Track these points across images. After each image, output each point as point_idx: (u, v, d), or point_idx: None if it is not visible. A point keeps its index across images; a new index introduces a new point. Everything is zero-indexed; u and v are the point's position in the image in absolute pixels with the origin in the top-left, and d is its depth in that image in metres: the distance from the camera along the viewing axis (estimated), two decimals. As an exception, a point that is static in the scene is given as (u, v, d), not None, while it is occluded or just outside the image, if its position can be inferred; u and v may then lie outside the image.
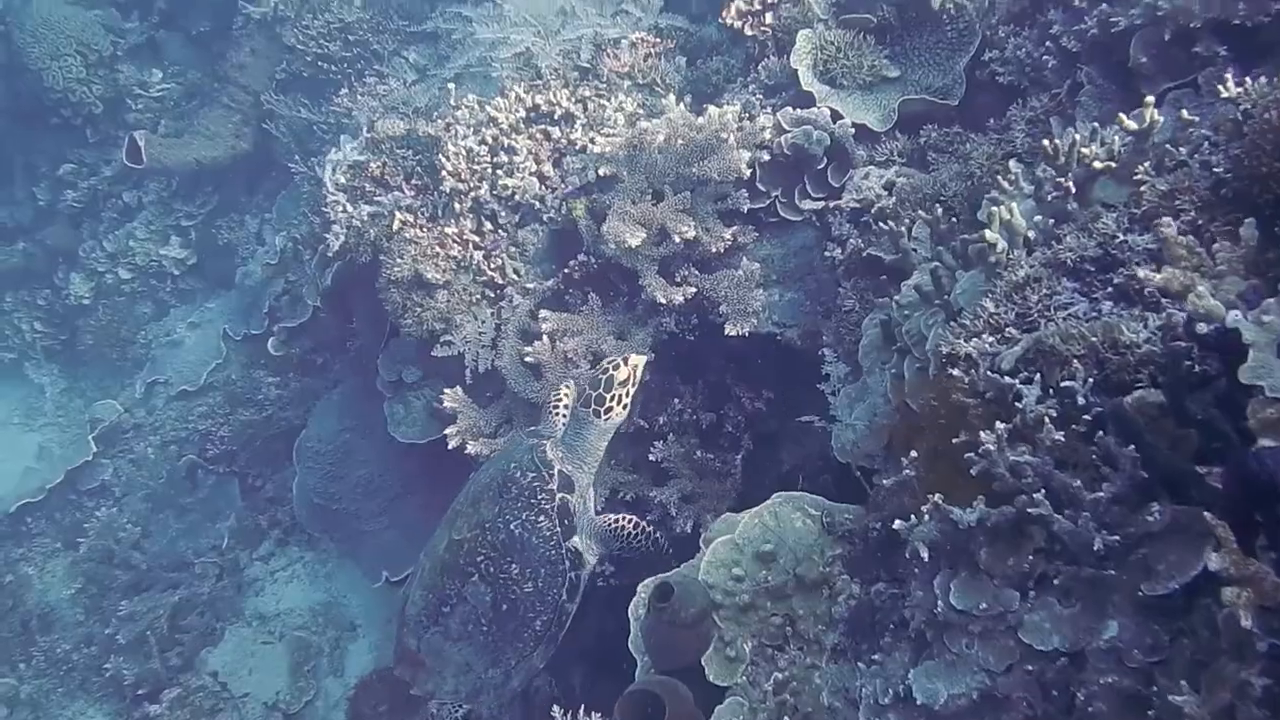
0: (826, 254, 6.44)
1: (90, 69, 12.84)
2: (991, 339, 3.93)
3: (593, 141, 6.64)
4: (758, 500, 5.34)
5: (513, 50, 8.05)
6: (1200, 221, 3.87)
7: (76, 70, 12.72)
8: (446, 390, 6.83)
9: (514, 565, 5.51)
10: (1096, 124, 5.02)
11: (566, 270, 6.84)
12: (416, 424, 7.63)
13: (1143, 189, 4.13)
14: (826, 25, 7.08)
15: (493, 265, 6.92)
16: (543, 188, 6.98)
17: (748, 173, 6.52)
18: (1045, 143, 4.64)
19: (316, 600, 10.10)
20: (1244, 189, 3.86)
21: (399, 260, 6.81)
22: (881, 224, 6.20)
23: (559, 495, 5.67)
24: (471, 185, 6.90)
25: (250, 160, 12.81)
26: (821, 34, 6.95)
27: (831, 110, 6.76)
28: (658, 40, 7.89)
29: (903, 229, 5.45)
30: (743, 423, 6.80)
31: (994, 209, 4.40)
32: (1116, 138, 4.45)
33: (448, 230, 6.87)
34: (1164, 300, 3.77)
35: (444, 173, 6.83)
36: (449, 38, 9.82)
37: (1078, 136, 4.51)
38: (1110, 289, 3.97)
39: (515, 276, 6.97)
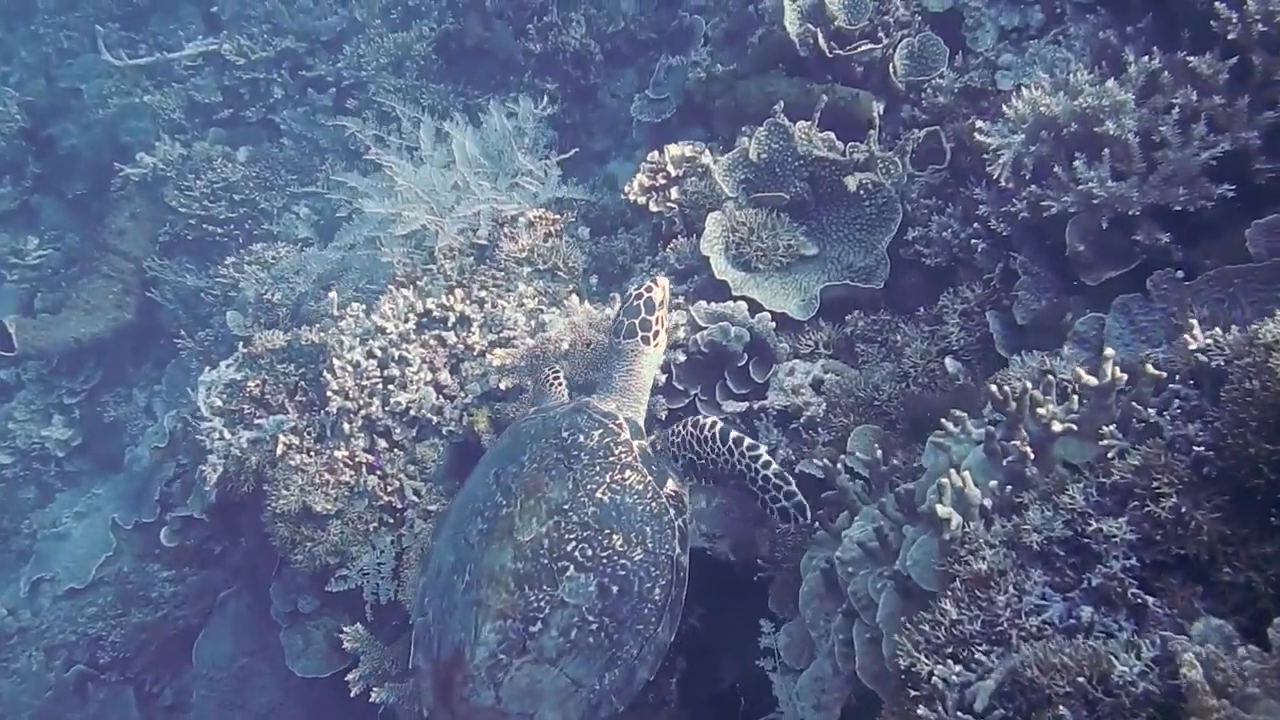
0: (755, 465, 5.89)
1: (-41, 239, 12.11)
2: (958, 668, 3.36)
3: (492, 351, 6.05)
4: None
5: (406, 228, 7.45)
6: (1184, 509, 3.35)
7: (-54, 241, 11.98)
8: (346, 629, 6.17)
9: (615, 536, 4.63)
10: (1049, 371, 4.51)
11: (471, 489, 6.21)
12: (318, 656, 6.93)
13: (1112, 463, 3.60)
14: (737, 203, 6.60)
15: (389, 488, 6.30)
16: (440, 398, 6.40)
17: (663, 378, 5.97)
18: (993, 388, 4.12)
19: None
20: (1230, 469, 3.36)
21: (284, 492, 6.17)
22: (813, 433, 5.70)
23: (635, 443, 4.96)
24: (361, 403, 6.27)
25: (135, 329, 12.09)
26: (732, 214, 6.46)
27: (749, 300, 6.24)
28: (557, 217, 7.37)
29: (838, 466, 4.89)
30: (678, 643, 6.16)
31: (944, 480, 3.85)
32: (1074, 391, 3.93)
33: (337, 454, 6.24)
34: (1152, 604, 3.26)
35: (330, 392, 6.19)
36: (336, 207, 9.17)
37: (1029, 386, 3.99)
38: (1089, 588, 3.43)
39: (415, 498, 6.34)
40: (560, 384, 5.53)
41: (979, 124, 5.89)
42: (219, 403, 6.66)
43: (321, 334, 6.57)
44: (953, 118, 6.59)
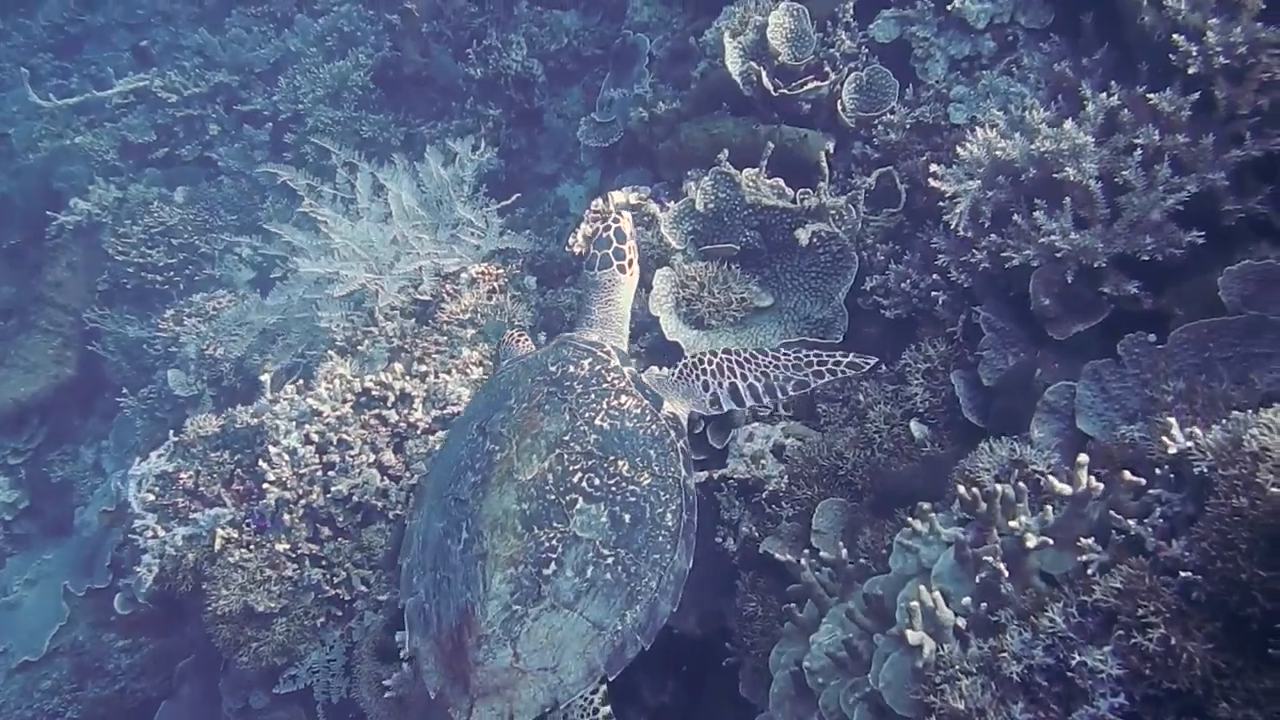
0: (718, 539, 5.63)
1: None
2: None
3: (433, 433, 5.73)
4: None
5: (344, 289, 7.12)
6: (1173, 640, 3.08)
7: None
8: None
9: (620, 462, 4.40)
10: (1020, 462, 4.24)
11: (424, 576, 5.90)
12: (273, 750, 6.59)
13: (1093, 579, 3.33)
14: (685, 255, 6.29)
15: (336, 579, 5.96)
16: (384, 479, 6.07)
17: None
18: (961, 489, 3.84)
19: None
20: (1221, 594, 3.09)
21: (225, 591, 5.85)
22: (776, 507, 5.42)
23: (625, 369, 4.79)
24: (300, 492, 5.94)
25: (77, 385, 11.69)
26: (681, 269, 6.15)
27: (703, 361, 5.93)
28: (500, 271, 7.06)
29: (802, 561, 4.60)
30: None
31: (913, 604, 3.57)
32: (1046, 489, 3.65)
33: (279, 547, 5.90)
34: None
35: (267, 483, 5.85)
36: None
37: (1000, 490, 3.72)
38: (1076, 729, 3.16)
39: (364, 588, 6.04)
40: (526, 340, 5.38)
41: (934, 168, 5.61)
42: (151, 498, 6.32)
43: (256, 417, 6.23)
44: (906, 155, 6.31)
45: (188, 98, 12.51)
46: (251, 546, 5.94)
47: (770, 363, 5.00)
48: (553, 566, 4.21)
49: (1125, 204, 4.99)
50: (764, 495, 5.46)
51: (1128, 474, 3.46)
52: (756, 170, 6.17)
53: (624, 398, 4.57)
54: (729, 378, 5.00)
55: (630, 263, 5.17)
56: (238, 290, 10.79)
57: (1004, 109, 5.89)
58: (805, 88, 6.40)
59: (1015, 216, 5.24)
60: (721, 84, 6.83)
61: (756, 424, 5.88)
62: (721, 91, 6.86)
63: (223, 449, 6.39)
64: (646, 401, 4.66)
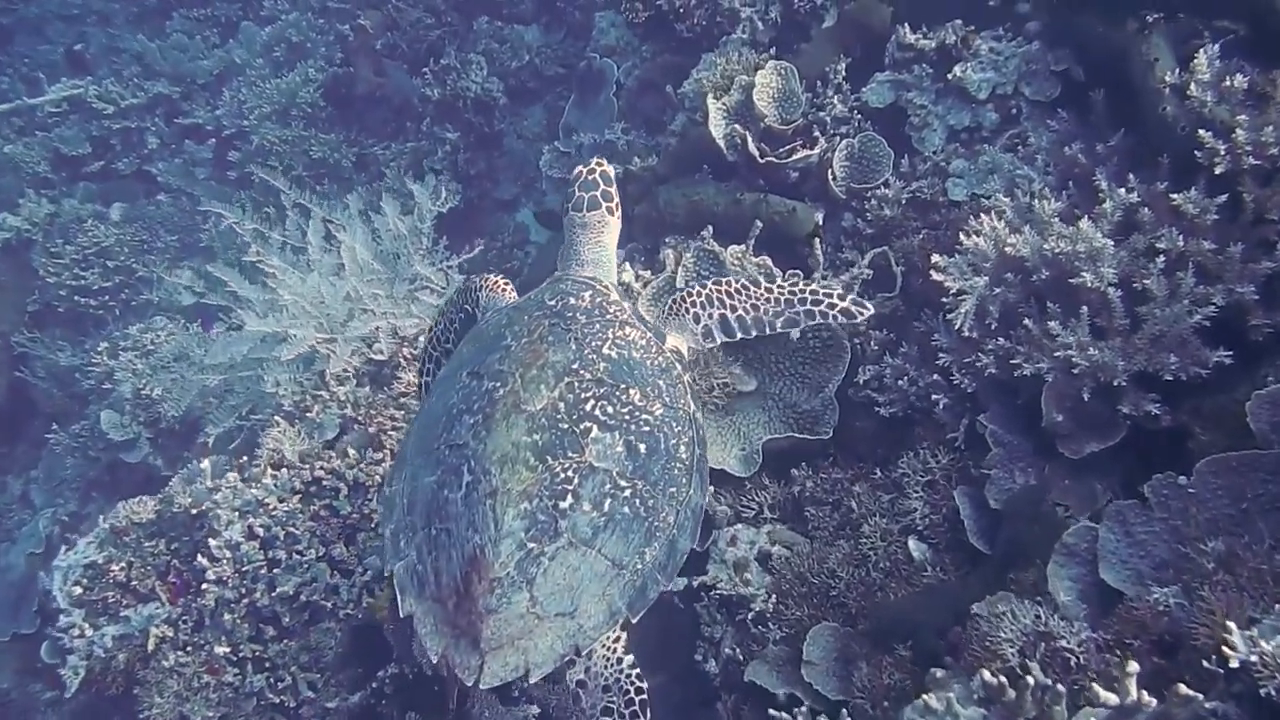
0: (698, 657, 5.23)
1: None
2: None
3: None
4: None
5: (293, 351, 6.64)
6: None
7: None
8: None
9: (632, 391, 4.04)
10: (1048, 634, 3.85)
11: (375, 683, 5.44)
12: None
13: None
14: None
15: (280, 684, 5.49)
16: (334, 574, 5.59)
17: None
18: (986, 675, 3.45)
19: None
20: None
21: (158, 699, 5.39)
22: (762, 628, 5.02)
23: (624, 303, 4.48)
24: (243, 590, 5.46)
25: (4, 413, 11.04)
26: (659, 352, 5.72)
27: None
28: (462, 336, 6.56)
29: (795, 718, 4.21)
30: None
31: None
32: (1077, 666, 3.27)
33: (218, 649, 5.41)
34: None
35: (206, 583, 5.37)
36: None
37: (1033, 678, 3.33)
38: None
39: (310, 693, 5.59)
40: (510, 289, 4.97)
41: (936, 259, 5.22)
42: (79, 591, 5.80)
43: (196, 506, 5.73)
44: (901, 232, 5.92)
45: (125, 109, 11.87)
46: (189, 648, 5.45)
47: (762, 295, 4.68)
48: (569, 499, 3.81)
49: (1146, 315, 4.63)
50: (750, 614, 5.05)
51: (1183, 688, 3.08)
52: (743, 248, 5.75)
53: (628, 329, 4.26)
54: (718, 309, 4.68)
55: (617, 205, 4.83)
56: (177, 319, 10.20)
57: (1010, 192, 5.51)
58: (794, 157, 5.98)
59: (1026, 321, 4.86)
60: (703, 144, 6.40)
61: (740, 525, 5.49)
62: (702, 153, 6.42)
63: (158, 537, 5.88)
64: (649, 335, 4.37)
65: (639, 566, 3.89)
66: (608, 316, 4.27)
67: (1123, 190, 4.90)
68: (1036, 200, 5.13)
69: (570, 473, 3.82)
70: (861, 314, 4.68)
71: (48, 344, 10.94)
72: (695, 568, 5.41)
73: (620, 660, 4.16)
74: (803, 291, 4.69)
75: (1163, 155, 5.03)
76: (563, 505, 3.78)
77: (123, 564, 5.76)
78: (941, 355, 5.20)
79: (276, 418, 6.62)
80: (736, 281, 4.70)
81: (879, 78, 6.30)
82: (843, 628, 4.84)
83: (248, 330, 6.75)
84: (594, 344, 4.11)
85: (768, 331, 4.73)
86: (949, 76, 6.01)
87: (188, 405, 7.54)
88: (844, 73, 6.31)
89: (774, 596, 5.05)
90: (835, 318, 4.70)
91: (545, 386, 3.97)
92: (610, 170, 4.84)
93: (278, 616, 5.59)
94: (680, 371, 4.33)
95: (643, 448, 3.95)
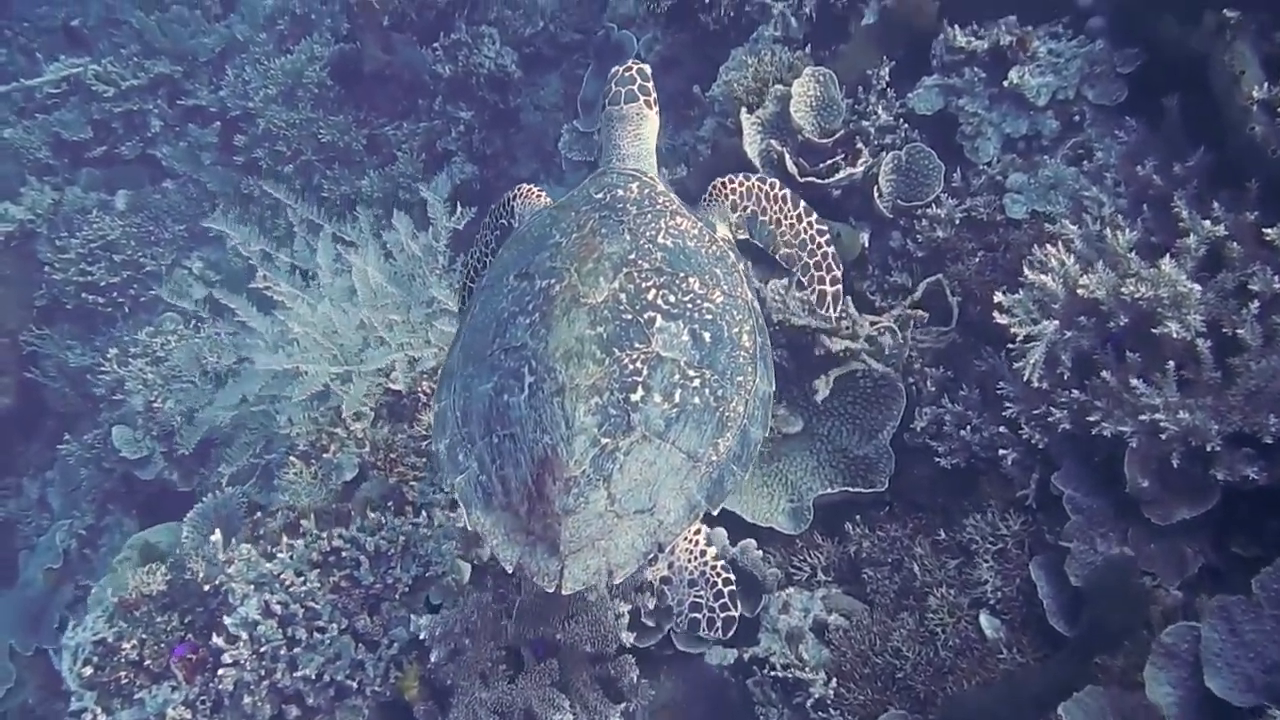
0: (750, 738, 4.89)
1: None
2: None
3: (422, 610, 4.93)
4: None
5: (306, 390, 6.26)
6: None
7: None
8: None
9: (690, 279, 3.83)
10: None
11: (408, 769, 5.15)
12: None
13: None
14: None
15: (307, 766, 5.18)
16: (359, 648, 5.25)
17: (629, 639, 4.91)
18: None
19: None
20: None
21: (179, 787, 5.03)
22: (823, 714, 4.65)
23: (671, 194, 4.30)
24: (262, 671, 5.13)
25: (16, 414, 10.77)
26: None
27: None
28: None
29: None
30: None
31: None
32: None
33: (241, 733, 5.09)
34: None
35: (222, 669, 5.04)
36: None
37: None
38: None
39: (340, 774, 5.24)
40: (543, 194, 4.75)
41: (999, 298, 4.78)
42: (89, 672, 5.48)
43: (208, 581, 5.38)
44: (955, 255, 5.46)
45: (126, 90, 11.36)
46: (209, 732, 5.13)
47: (789, 219, 4.47)
48: (640, 391, 3.59)
49: (1240, 368, 4.19)
50: (809, 699, 4.67)
51: None
52: (785, 284, 5.30)
53: (679, 218, 4.05)
54: (753, 204, 4.50)
55: (655, 101, 4.61)
56: (187, 316, 9.80)
57: (1077, 215, 5.01)
58: (836, 176, 5.51)
59: (1103, 372, 4.41)
60: (735, 157, 5.91)
61: (792, 590, 5.12)
62: (735, 167, 5.92)
63: (170, 610, 5.54)
64: (700, 224, 4.16)
65: (713, 458, 3.70)
66: (658, 206, 4.06)
67: (1207, 221, 4.44)
68: (1109, 230, 4.65)
69: (639, 363, 3.61)
70: (832, 311, 4.49)
71: (57, 342, 10.59)
72: (745, 636, 5.05)
73: (704, 552, 4.05)
74: (818, 246, 4.46)
75: (1251, 180, 4.56)
76: (634, 398, 3.57)
77: (134, 641, 5.44)
78: (1008, 405, 4.76)
79: (292, 458, 6.27)
80: (780, 189, 4.45)
81: (926, 82, 5.78)
82: (911, 716, 4.47)
83: (259, 365, 6.35)
84: (648, 233, 3.90)
85: (769, 250, 4.51)
86: (1004, 83, 5.49)
87: (201, 436, 7.15)
88: (887, 77, 5.79)
89: (834, 679, 4.67)
90: (814, 291, 4.49)
91: (604, 278, 3.75)
92: (647, 69, 4.63)
93: (301, 695, 5.25)
94: (734, 260, 4.11)
95: (707, 336, 3.75)
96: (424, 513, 5.55)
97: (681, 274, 3.81)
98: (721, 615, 3.96)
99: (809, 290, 4.46)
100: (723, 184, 4.49)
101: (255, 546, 5.37)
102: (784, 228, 4.43)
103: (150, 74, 11.48)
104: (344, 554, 5.30)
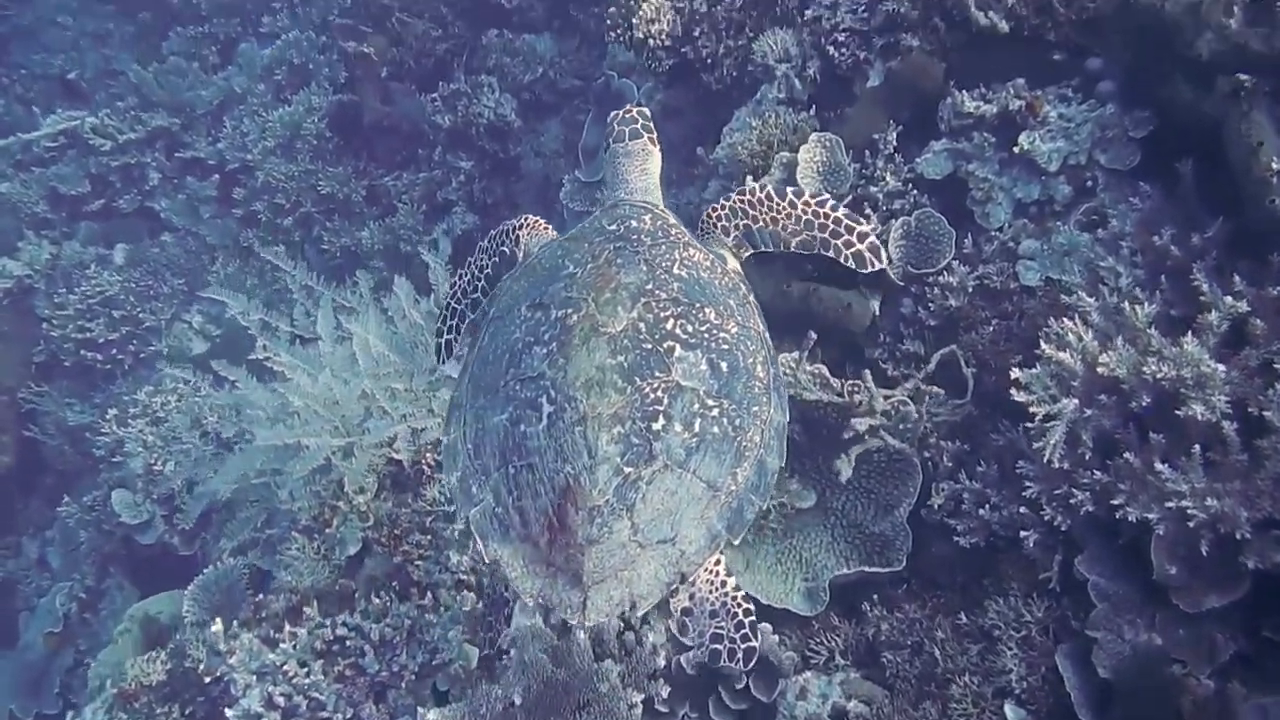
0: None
1: None
2: None
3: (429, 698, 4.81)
4: None
5: (307, 465, 6.15)
6: None
7: None
8: None
9: (706, 309, 3.86)
10: None
11: None
12: None
13: None
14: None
15: None
16: (368, 736, 5.13)
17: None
18: None
19: None
20: None
21: None
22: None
23: (682, 226, 4.33)
24: (268, 765, 5.01)
25: (16, 474, 10.65)
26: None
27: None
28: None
29: None
30: None
31: None
32: None
33: (246, 828, 4.97)
34: None
35: (226, 763, 4.93)
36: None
37: None
38: None
39: None
40: (551, 230, 4.73)
41: (1016, 374, 4.66)
42: (93, 765, 5.38)
43: (209, 673, 5.27)
44: (969, 323, 5.34)
45: (123, 143, 11.29)
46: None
47: (784, 210, 4.44)
48: (661, 420, 3.60)
49: (1269, 450, 4.08)
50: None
51: None
52: (795, 357, 5.19)
53: (691, 250, 4.11)
54: (742, 219, 4.48)
55: (657, 140, 4.70)
56: (188, 373, 9.69)
57: (1094, 287, 4.91)
58: (845, 243, 5.40)
59: (1127, 454, 4.30)
60: (742, 222, 5.80)
61: (809, 674, 4.98)
62: (743, 233, 5.84)
63: (170, 701, 5.43)
64: (712, 256, 4.22)
65: (733, 488, 3.71)
66: (671, 238, 4.10)
67: (1229, 297, 4.33)
68: (1127, 303, 4.54)
69: (660, 393, 3.63)
70: (875, 265, 4.43)
71: (55, 399, 10.51)
72: (761, 722, 4.93)
73: (725, 583, 4.00)
74: (824, 216, 4.41)
75: (1273, 254, 4.46)
76: (655, 427, 3.58)
77: (136, 737, 5.33)
78: (1028, 484, 4.65)
79: (294, 533, 6.17)
80: (761, 191, 4.44)
81: (935, 147, 5.68)
82: (937, 813, 4.35)
83: (259, 441, 6.26)
84: (664, 264, 3.94)
85: (783, 249, 4.49)
86: (1014, 149, 5.39)
87: (202, 509, 7.06)
88: (895, 141, 5.69)
89: (853, 770, 4.56)
90: (847, 258, 4.44)
91: (622, 308, 3.78)
92: (647, 110, 4.74)
93: (307, 783, 5.14)
94: (745, 291, 4.17)
95: (724, 366, 3.78)
96: (429, 594, 5.43)
97: (698, 304, 3.83)
98: (743, 646, 3.93)
99: (845, 260, 4.43)
100: (706, 217, 4.49)
101: (257, 631, 5.25)
102: (781, 221, 4.41)
103: (148, 126, 11.42)
104: (348, 642, 5.18)
